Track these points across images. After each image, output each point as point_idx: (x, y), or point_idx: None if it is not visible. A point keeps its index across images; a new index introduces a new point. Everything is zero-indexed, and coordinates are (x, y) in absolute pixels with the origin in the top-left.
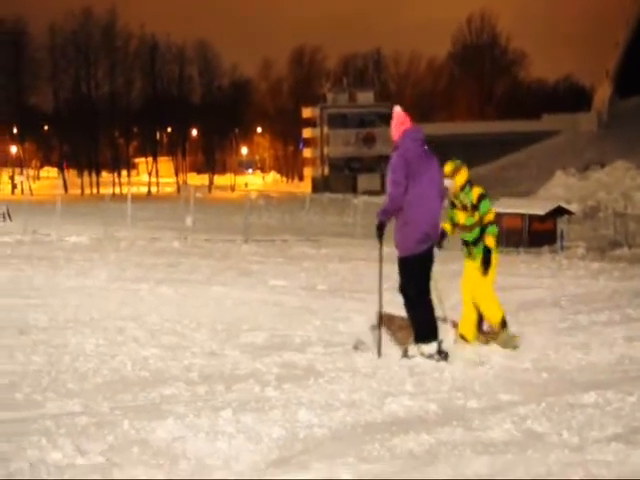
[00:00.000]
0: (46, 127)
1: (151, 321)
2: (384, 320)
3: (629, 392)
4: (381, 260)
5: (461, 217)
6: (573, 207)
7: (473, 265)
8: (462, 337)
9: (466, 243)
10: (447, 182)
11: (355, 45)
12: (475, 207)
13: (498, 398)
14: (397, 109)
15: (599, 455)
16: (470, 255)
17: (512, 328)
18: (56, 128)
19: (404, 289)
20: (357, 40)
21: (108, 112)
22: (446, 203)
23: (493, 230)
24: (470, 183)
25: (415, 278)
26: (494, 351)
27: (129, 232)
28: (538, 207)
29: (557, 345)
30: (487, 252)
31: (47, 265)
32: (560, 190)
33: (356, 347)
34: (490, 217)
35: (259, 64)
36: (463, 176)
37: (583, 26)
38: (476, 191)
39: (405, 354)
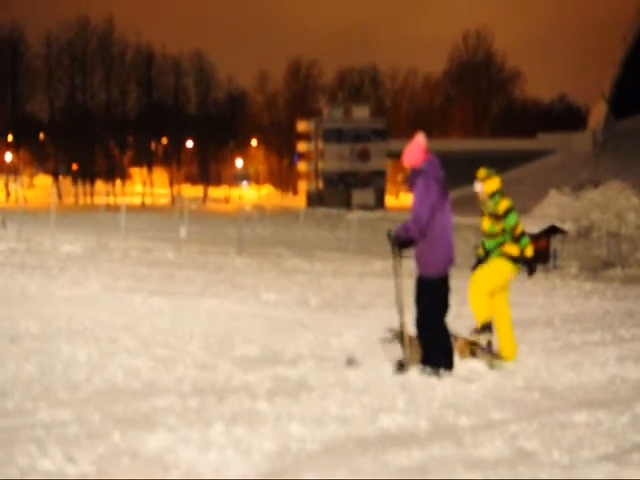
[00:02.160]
0: (41, 135)
1: (144, 332)
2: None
3: (620, 412)
4: (398, 273)
5: (486, 224)
6: (567, 226)
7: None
8: (504, 358)
9: (485, 251)
10: (477, 186)
11: (351, 60)
12: (500, 218)
13: (489, 416)
14: (421, 136)
15: (590, 474)
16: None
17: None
18: (51, 136)
19: (423, 312)
20: (353, 55)
21: (103, 121)
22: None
23: (527, 241)
24: (500, 194)
25: (436, 301)
26: (486, 369)
27: (123, 242)
28: (532, 225)
29: (549, 364)
30: (530, 263)
31: (40, 274)
32: (554, 209)
33: (349, 363)
34: (520, 230)
35: (255, 77)
36: (494, 184)
37: (579, 46)
38: (504, 203)
39: (400, 368)
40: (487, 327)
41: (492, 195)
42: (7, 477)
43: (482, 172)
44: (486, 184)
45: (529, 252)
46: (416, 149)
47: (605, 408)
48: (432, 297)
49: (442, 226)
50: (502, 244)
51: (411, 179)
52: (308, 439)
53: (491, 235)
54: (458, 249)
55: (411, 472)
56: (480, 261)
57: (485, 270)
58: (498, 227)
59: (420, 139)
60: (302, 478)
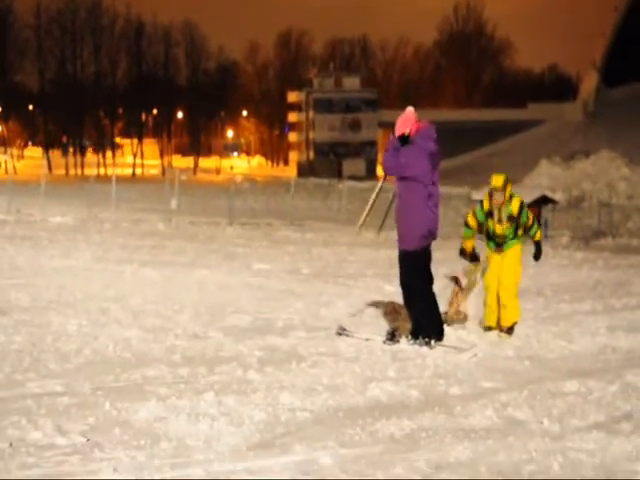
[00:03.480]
0: (31, 106)
1: (134, 303)
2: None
3: (611, 381)
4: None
5: (498, 228)
6: (557, 196)
7: (501, 260)
8: (489, 328)
9: (495, 242)
10: (496, 196)
11: (342, 31)
12: (514, 218)
13: (480, 385)
14: (410, 109)
15: (580, 443)
16: (497, 248)
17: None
18: (41, 108)
19: (408, 282)
20: (344, 26)
21: (93, 92)
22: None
23: (537, 228)
24: (511, 195)
25: (420, 271)
26: (477, 338)
27: (113, 213)
28: (523, 195)
29: (540, 334)
30: (538, 246)
31: (30, 245)
32: (545, 179)
33: (339, 333)
34: (532, 219)
35: (246, 47)
36: (510, 187)
37: (569, 15)
38: (516, 202)
39: (391, 338)
40: (513, 328)
41: (510, 199)
42: None
43: (500, 179)
44: (507, 190)
45: (538, 236)
46: (408, 120)
47: (595, 377)
48: (417, 269)
49: (427, 200)
50: (509, 234)
51: (393, 144)
52: (298, 408)
53: (503, 237)
54: (449, 219)
55: (401, 441)
56: (474, 257)
57: (513, 270)
58: (512, 227)
59: (409, 111)
60: (292, 447)
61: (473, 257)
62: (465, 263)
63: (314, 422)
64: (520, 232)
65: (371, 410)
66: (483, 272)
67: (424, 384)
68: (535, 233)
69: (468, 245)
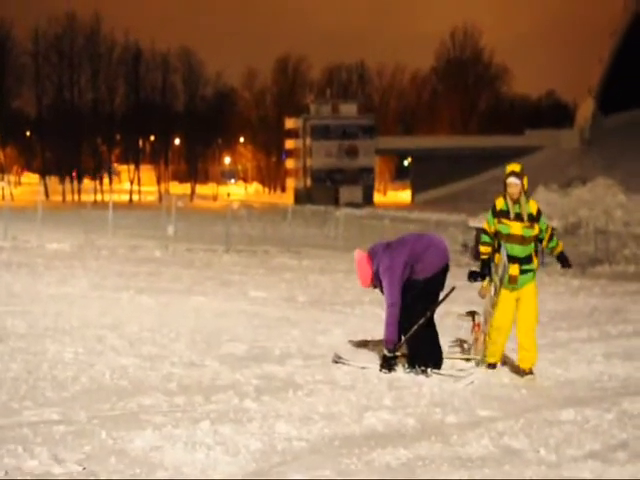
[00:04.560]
0: (28, 132)
1: (131, 330)
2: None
3: (607, 409)
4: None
5: (517, 227)
6: (554, 223)
7: (515, 300)
8: (493, 365)
9: (513, 260)
10: (513, 180)
11: (339, 57)
12: (534, 219)
13: (476, 414)
14: (357, 252)
15: (576, 472)
16: (512, 284)
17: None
18: (38, 134)
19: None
20: (341, 52)
21: (91, 119)
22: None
23: (556, 240)
24: (526, 193)
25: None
26: (473, 367)
27: (110, 240)
28: None
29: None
30: (564, 255)
31: (27, 272)
32: (541, 206)
33: (335, 361)
34: (551, 230)
35: (243, 73)
36: (527, 183)
37: (566, 43)
38: (533, 203)
39: (387, 367)
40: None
41: (526, 192)
42: None
43: (517, 166)
44: (524, 181)
45: (561, 247)
46: (361, 268)
47: (592, 405)
48: (416, 297)
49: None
50: (531, 256)
51: (375, 281)
52: (295, 437)
53: (524, 241)
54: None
55: (398, 471)
56: (485, 267)
57: (534, 312)
58: (534, 230)
59: (356, 255)
60: (288, 478)
61: (483, 269)
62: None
63: (310, 451)
64: (535, 249)
65: (367, 439)
66: (492, 305)
67: (420, 413)
68: (557, 244)
69: (482, 250)
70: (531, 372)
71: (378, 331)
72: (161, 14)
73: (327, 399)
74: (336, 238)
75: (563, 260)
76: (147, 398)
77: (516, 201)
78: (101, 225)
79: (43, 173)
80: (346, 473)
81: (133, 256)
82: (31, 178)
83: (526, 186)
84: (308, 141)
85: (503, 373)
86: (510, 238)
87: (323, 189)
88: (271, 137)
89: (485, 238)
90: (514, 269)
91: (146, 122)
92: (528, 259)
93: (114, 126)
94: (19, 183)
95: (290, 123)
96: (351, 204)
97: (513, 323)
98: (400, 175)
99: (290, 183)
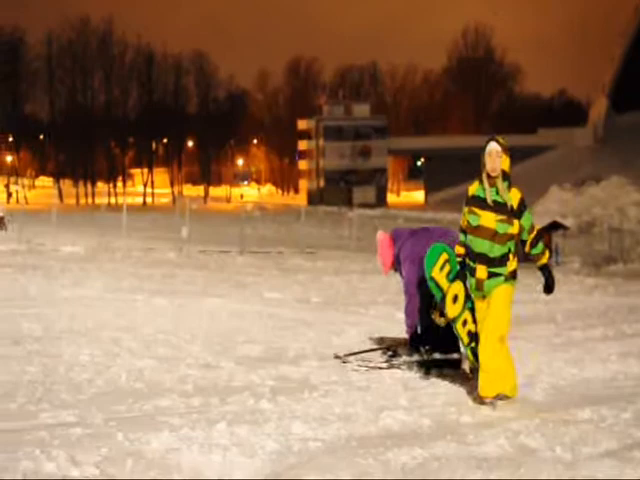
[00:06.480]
0: (42, 136)
1: (146, 332)
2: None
3: (623, 408)
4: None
5: (490, 219)
6: (568, 222)
7: (486, 308)
8: (505, 397)
9: (480, 259)
10: (494, 147)
11: (351, 57)
12: (514, 214)
13: (491, 413)
14: (380, 233)
15: (592, 471)
16: (478, 290)
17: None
18: (52, 137)
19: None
20: (353, 53)
21: (104, 122)
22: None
23: (544, 246)
24: (507, 178)
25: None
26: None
27: (124, 242)
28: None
29: (551, 360)
30: (549, 272)
31: (42, 275)
32: (555, 205)
33: (344, 360)
34: (535, 232)
35: (256, 75)
36: (508, 162)
37: (579, 41)
38: (517, 193)
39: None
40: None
41: (505, 176)
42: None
43: (504, 140)
44: (504, 158)
45: (546, 258)
46: (383, 250)
47: (608, 404)
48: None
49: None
50: (504, 258)
51: (396, 264)
52: (311, 438)
53: (497, 237)
54: None
55: (414, 471)
56: (462, 267)
57: (499, 319)
58: (511, 228)
59: (379, 237)
60: (305, 478)
61: (461, 270)
62: None
63: (326, 452)
64: (513, 249)
65: (383, 439)
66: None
67: (436, 413)
68: (542, 251)
69: (456, 250)
70: (490, 402)
71: (392, 331)
72: (173, 17)
73: (343, 400)
74: (350, 239)
75: (546, 278)
76: (163, 400)
77: (493, 184)
78: (115, 228)
79: (57, 176)
80: (362, 473)
81: (147, 258)
82: (45, 181)
83: (508, 169)
84: (321, 142)
85: (518, 373)
86: (478, 231)
87: (336, 190)
88: (284, 138)
89: (460, 236)
90: (481, 271)
91: (159, 125)
92: (500, 260)
93: (127, 129)
94: (33, 186)
95: (303, 124)
96: (364, 205)
97: None
98: (413, 175)
99: (303, 184)
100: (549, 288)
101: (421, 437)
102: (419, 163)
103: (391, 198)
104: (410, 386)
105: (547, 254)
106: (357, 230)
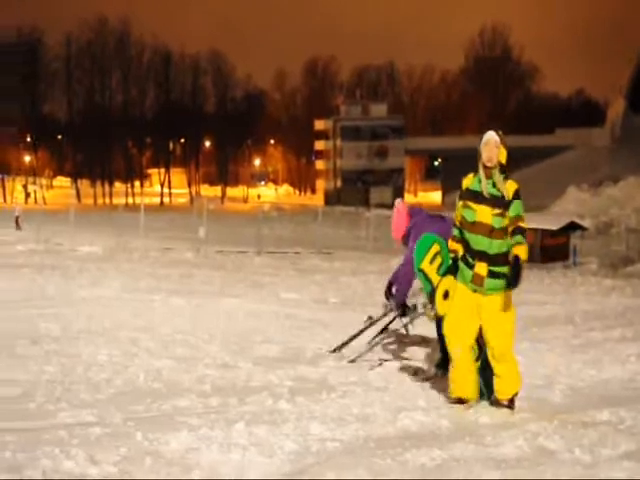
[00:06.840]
0: (60, 136)
1: (164, 332)
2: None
3: None
4: None
5: (486, 214)
6: (586, 223)
7: (474, 299)
8: (459, 401)
9: (480, 256)
10: (492, 137)
11: (369, 57)
12: (506, 205)
13: (510, 414)
14: (399, 202)
15: (611, 473)
16: (475, 284)
17: (524, 344)
18: (70, 137)
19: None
20: (371, 52)
21: (121, 122)
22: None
23: (521, 239)
24: (504, 170)
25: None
26: None
27: (142, 242)
28: (551, 222)
29: (570, 362)
30: (517, 263)
31: (60, 275)
32: (573, 205)
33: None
34: (523, 224)
35: (273, 75)
36: (505, 155)
37: (596, 41)
38: (513, 184)
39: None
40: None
41: (502, 168)
42: (31, 478)
43: (500, 133)
44: (501, 149)
45: (523, 251)
46: (399, 219)
47: (626, 406)
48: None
49: None
50: (504, 256)
51: (406, 238)
52: (329, 439)
53: (494, 233)
54: None
55: (432, 472)
56: (453, 269)
57: (508, 326)
58: (506, 220)
59: (398, 205)
60: (323, 478)
61: (450, 273)
62: None
63: (345, 452)
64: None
65: (401, 440)
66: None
67: (454, 413)
68: (518, 244)
69: (450, 246)
70: (508, 405)
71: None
72: (190, 17)
73: (361, 400)
74: (367, 239)
75: (513, 272)
76: (182, 400)
77: (490, 175)
78: (133, 228)
79: (75, 176)
80: (380, 474)
81: (165, 258)
82: (63, 182)
83: (504, 160)
84: (338, 142)
85: (536, 373)
86: (475, 227)
87: (353, 190)
88: (301, 138)
89: (454, 231)
90: (481, 268)
91: (176, 125)
92: (500, 259)
93: (144, 129)
94: (51, 186)
95: (320, 124)
96: (381, 205)
97: (475, 334)
98: (430, 175)
99: (320, 184)
100: (513, 282)
101: (439, 438)
102: (436, 163)
103: (408, 198)
104: (428, 387)
105: (524, 248)
106: (374, 230)
